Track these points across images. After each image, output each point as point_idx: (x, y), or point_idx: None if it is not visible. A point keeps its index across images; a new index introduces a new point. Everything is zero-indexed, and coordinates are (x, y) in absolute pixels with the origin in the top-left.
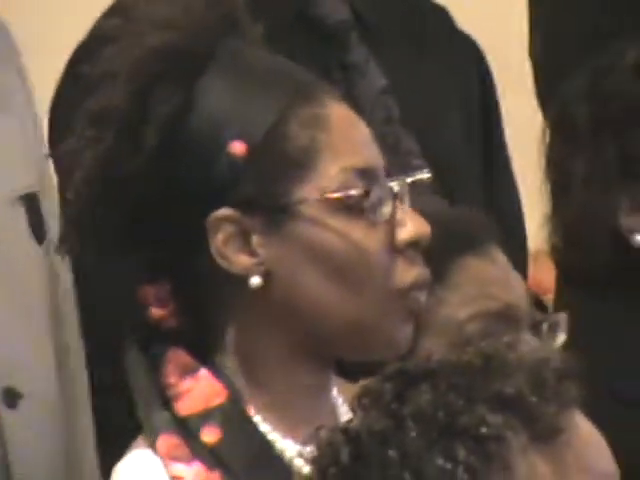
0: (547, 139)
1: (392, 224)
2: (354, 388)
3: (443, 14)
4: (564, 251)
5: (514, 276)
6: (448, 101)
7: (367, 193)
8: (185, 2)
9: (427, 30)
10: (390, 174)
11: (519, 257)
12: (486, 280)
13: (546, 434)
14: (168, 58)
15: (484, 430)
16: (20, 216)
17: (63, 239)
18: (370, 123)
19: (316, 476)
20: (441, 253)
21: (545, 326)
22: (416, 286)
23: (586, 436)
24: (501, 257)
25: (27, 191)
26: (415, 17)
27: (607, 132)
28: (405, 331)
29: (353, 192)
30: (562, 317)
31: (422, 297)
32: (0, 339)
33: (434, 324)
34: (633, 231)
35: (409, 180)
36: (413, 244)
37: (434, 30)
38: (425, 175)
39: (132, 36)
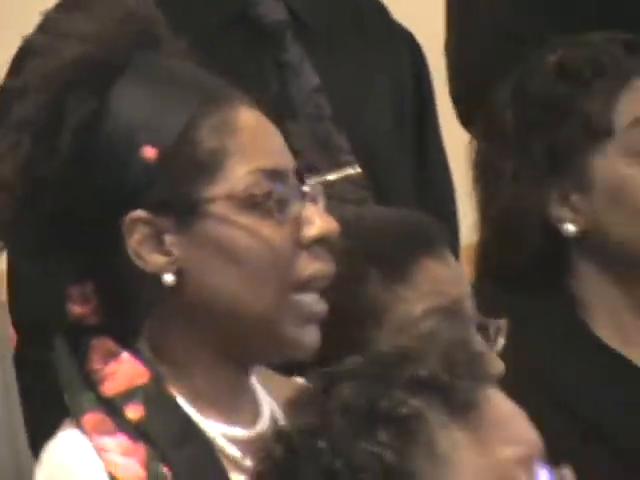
0: (475, 141)
1: (299, 222)
2: (270, 374)
3: (378, 7)
4: (494, 244)
5: (462, 275)
6: (381, 96)
7: (271, 193)
8: (101, 18)
9: (362, 24)
10: (316, 170)
11: (452, 245)
12: (439, 279)
13: (462, 409)
14: (81, 68)
15: (404, 411)
16: None
17: None
18: (303, 120)
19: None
20: (400, 254)
21: (492, 330)
22: (316, 279)
23: (503, 409)
24: (451, 258)
25: None
26: (350, 11)
27: (533, 131)
28: (310, 333)
29: (258, 192)
30: (503, 323)
31: (324, 305)
32: None
33: (394, 320)
34: (562, 221)
35: (336, 175)
36: (319, 240)
37: (369, 23)
38: (354, 170)
39: (50, 49)
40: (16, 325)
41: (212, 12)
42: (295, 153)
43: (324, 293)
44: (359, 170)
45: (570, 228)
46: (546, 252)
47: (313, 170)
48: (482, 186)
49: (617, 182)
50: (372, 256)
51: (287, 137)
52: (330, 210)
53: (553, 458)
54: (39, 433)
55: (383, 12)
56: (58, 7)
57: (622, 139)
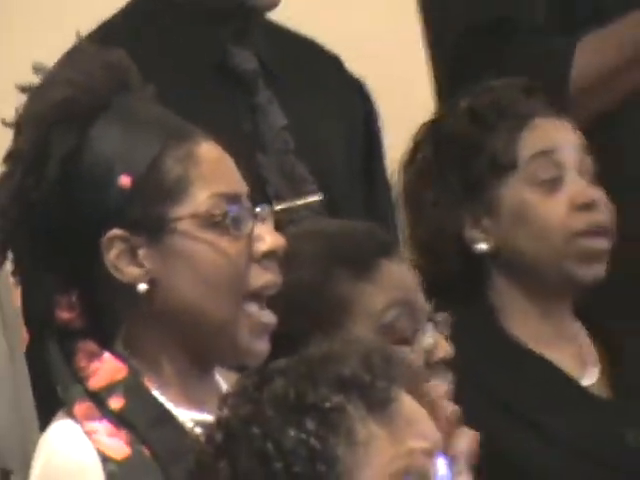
0: (402, 175)
1: (251, 238)
2: (230, 375)
3: (335, 60)
4: (421, 262)
5: (413, 273)
6: (337, 134)
7: (228, 213)
8: (84, 67)
9: (322, 73)
10: (282, 197)
11: None
12: (396, 276)
13: (379, 405)
14: (66, 109)
15: (328, 405)
16: None
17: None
18: (271, 154)
19: (198, 458)
20: (363, 255)
21: (440, 320)
22: (266, 289)
23: (412, 408)
24: (403, 259)
25: None
26: (312, 62)
27: (449, 166)
28: (261, 343)
29: (217, 212)
30: (448, 315)
31: (272, 317)
32: None
33: (360, 313)
34: (475, 241)
35: (299, 201)
36: (268, 254)
37: (328, 73)
38: (317, 198)
39: (40, 92)
40: (26, 324)
41: (196, 61)
42: (265, 182)
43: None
44: (322, 198)
45: (482, 247)
46: (465, 268)
47: (280, 197)
48: (408, 211)
49: (520, 207)
50: (338, 258)
51: (258, 168)
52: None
53: (493, 451)
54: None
55: (339, 64)
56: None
57: (524, 171)
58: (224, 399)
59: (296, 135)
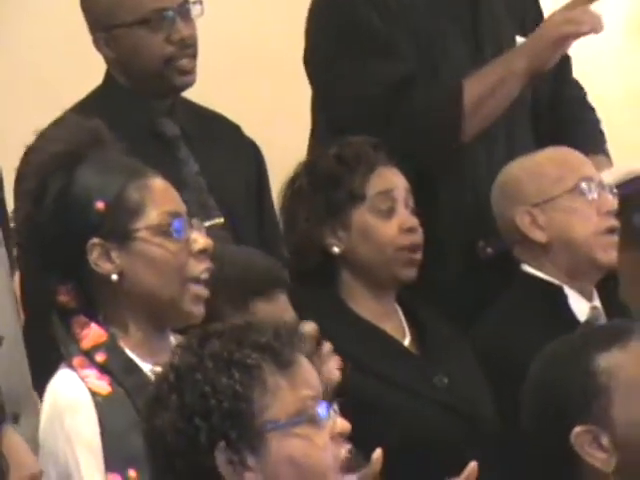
0: (282, 197)
1: (189, 240)
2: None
3: (236, 127)
4: (292, 260)
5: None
6: (235, 177)
7: (172, 224)
8: (70, 129)
9: (226, 136)
10: (202, 216)
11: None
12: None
13: (284, 364)
14: (58, 159)
15: (249, 361)
16: None
17: (17, 259)
18: (190, 191)
19: (155, 392)
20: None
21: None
22: (202, 274)
23: (305, 366)
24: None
25: None
26: (218, 128)
27: (319, 193)
28: (197, 310)
29: (164, 224)
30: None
31: (206, 286)
32: None
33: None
34: (331, 246)
35: (209, 223)
36: (202, 251)
37: (229, 136)
38: (220, 220)
39: (39, 147)
40: (24, 309)
41: (135, 130)
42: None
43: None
44: (222, 220)
45: (336, 250)
46: (323, 265)
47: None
48: (285, 223)
49: (365, 227)
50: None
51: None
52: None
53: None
54: (41, 374)
55: (239, 130)
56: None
57: (370, 202)
58: (175, 349)
59: (207, 179)
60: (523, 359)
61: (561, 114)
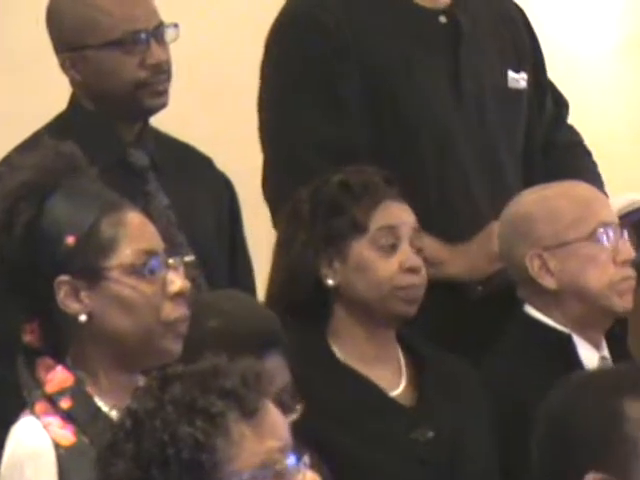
0: (281, 223)
1: (165, 282)
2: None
3: (207, 159)
4: (282, 292)
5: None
6: (209, 213)
7: (147, 263)
8: (41, 156)
9: (196, 169)
10: (170, 254)
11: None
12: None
13: (250, 412)
14: (27, 188)
15: (213, 410)
16: None
17: None
18: (159, 226)
19: (111, 439)
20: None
21: None
22: (179, 320)
23: (273, 415)
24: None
25: None
26: (188, 160)
27: (319, 221)
28: (175, 347)
29: (138, 263)
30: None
31: (184, 327)
32: None
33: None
34: (326, 277)
35: (181, 260)
36: (178, 294)
37: (200, 169)
38: (191, 258)
39: (8, 175)
40: None
41: (102, 159)
42: None
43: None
44: (192, 258)
45: (330, 282)
46: (315, 296)
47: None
48: (280, 247)
49: (362, 261)
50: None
51: None
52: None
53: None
54: (4, 419)
55: (211, 163)
56: (16, 149)
57: (371, 236)
58: (134, 393)
59: (177, 213)
60: (531, 408)
61: (555, 161)
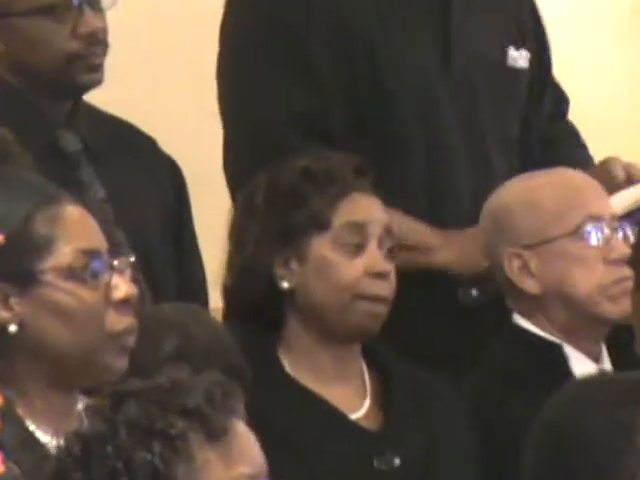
0: (234, 212)
1: (109, 287)
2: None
3: (151, 141)
4: (233, 291)
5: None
6: (152, 204)
7: (88, 266)
8: None
9: (137, 152)
10: (114, 254)
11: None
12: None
13: (216, 434)
14: None
15: (173, 432)
16: None
17: None
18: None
19: (57, 467)
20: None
21: None
22: (126, 332)
23: (244, 437)
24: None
25: None
26: (127, 142)
27: (275, 212)
28: (120, 362)
29: (77, 265)
30: None
31: (131, 339)
32: None
33: None
34: (280, 278)
35: (127, 261)
36: (124, 301)
37: (142, 152)
38: (131, 259)
39: None
40: None
41: (26, 142)
42: None
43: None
44: (133, 259)
45: (285, 285)
46: (268, 300)
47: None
48: (232, 245)
49: (323, 261)
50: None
51: None
52: None
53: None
54: None
55: (154, 144)
56: None
57: (335, 233)
58: (83, 415)
59: (115, 206)
60: (519, 430)
61: (552, 154)
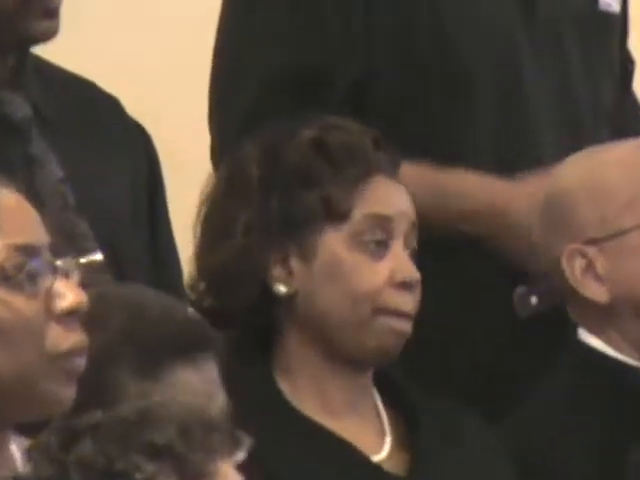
0: (215, 189)
1: (51, 295)
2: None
3: (113, 102)
4: (212, 292)
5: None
6: (120, 183)
7: (23, 266)
8: None
9: (99, 119)
10: (61, 253)
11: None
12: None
13: (195, 478)
14: None
15: (138, 476)
16: None
17: None
18: (48, 211)
19: None
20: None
21: None
22: (74, 352)
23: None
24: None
25: None
26: (89, 107)
27: (275, 192)
28: (67, 391)
29: (9, 265)
30: None
31: (82, 361)
32: None
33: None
34: (277, 280)
35: (82, 260)
36: (69, 312)
37: (106, 118)
38: (97, 256)
39: None
40: None
41: None
42: None
43: None
44: (101, 257)
45: (281, 289)
46: (258, 307)
47: (59, 256)
48: (207, 229)
49: (336, 261)
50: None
51: None
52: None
53: None
54: None
55: (119, 107)
56: None
57: (352, 227)
58: (26, 456)
59: (76, 188)
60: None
61: (620, 126)
